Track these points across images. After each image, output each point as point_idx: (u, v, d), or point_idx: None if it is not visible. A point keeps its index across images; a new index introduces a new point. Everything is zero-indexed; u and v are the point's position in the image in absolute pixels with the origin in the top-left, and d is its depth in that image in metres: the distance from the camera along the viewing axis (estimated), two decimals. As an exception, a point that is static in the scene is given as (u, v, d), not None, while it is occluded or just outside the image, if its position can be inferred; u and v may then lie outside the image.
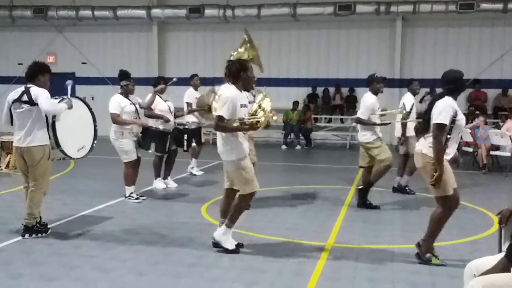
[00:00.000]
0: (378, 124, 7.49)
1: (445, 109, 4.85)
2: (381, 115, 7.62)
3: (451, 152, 4.95)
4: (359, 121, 7.48)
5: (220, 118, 5.15)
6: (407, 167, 8.56)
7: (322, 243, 5.73)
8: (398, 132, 8.59)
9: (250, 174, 5.29)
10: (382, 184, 8.26)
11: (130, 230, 6.20)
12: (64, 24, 18.38)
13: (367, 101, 7.41)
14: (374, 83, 7.46)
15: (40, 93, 5.59)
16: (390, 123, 7.73)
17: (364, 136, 7.48)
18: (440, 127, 4.83)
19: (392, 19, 16.30)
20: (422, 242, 5.09)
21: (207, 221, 6.71)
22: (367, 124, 7.40)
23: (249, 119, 5.37)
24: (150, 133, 7.95)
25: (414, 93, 8.62)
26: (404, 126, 8.43)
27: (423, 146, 4.99)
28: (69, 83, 6.29)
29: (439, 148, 4.81)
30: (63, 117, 5.80)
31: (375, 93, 7.47)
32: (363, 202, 7.54)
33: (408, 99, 8.53)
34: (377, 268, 4.99)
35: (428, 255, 5.04)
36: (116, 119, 7.50)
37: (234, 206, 5.38)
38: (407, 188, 8.58)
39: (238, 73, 5.26)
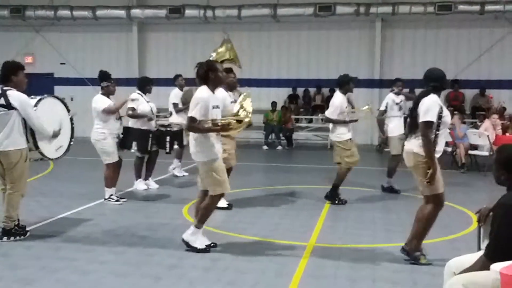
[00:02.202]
0: (347, 122, 7.66)
1: (432, 106, 4.90)
2: (348, 113, 7.79)
3: (440, 149, 4.99)
4: (328, 119, 7.75)
5: (192, 119, 5.16)
6: (388, 167, 8.68)
7: (304, 243, 5.75)
8: (386, 132, 8.74)
9: (222, 176, 5.30)
10: (368, 184, 8.27)
11: (110, 232, 6.14)
12: (42, 24, 18.11)
13: (337, 100, 7.63)
14: (345, 84, 7.67)
15: (24, 105, 5.50)
16: (357, 120, 8.12)
17: (335, 135, 7.70)
18: (428, 124, 4.88)
19: (371, 20, 16.40)
20: (409, 241, 5.11)
21: (189, 222, 6.64)
22: (337, 122, 7.62)
23: (221, 120, 5.36)
24: (131, 133, 7.91)
25: (396, 93, 8.78)
26: (381, 125, 8.64)
27: (414, 145, 5.00)
28: None
29: (429, 145, 4.86)
30: (40, 116, 5.72)
31: (345, 93, 7.71)
32: (332, 196, 7.71)
33: (386, 98, 8.83)
34: (359, 267, 5.02)
35: (417, 253, 5.07)
36: (110, 109, 7.38)
37: (204, 207, 5.40)
38: (389, 187, 8.66)
39: (206, 74, 5.28)
